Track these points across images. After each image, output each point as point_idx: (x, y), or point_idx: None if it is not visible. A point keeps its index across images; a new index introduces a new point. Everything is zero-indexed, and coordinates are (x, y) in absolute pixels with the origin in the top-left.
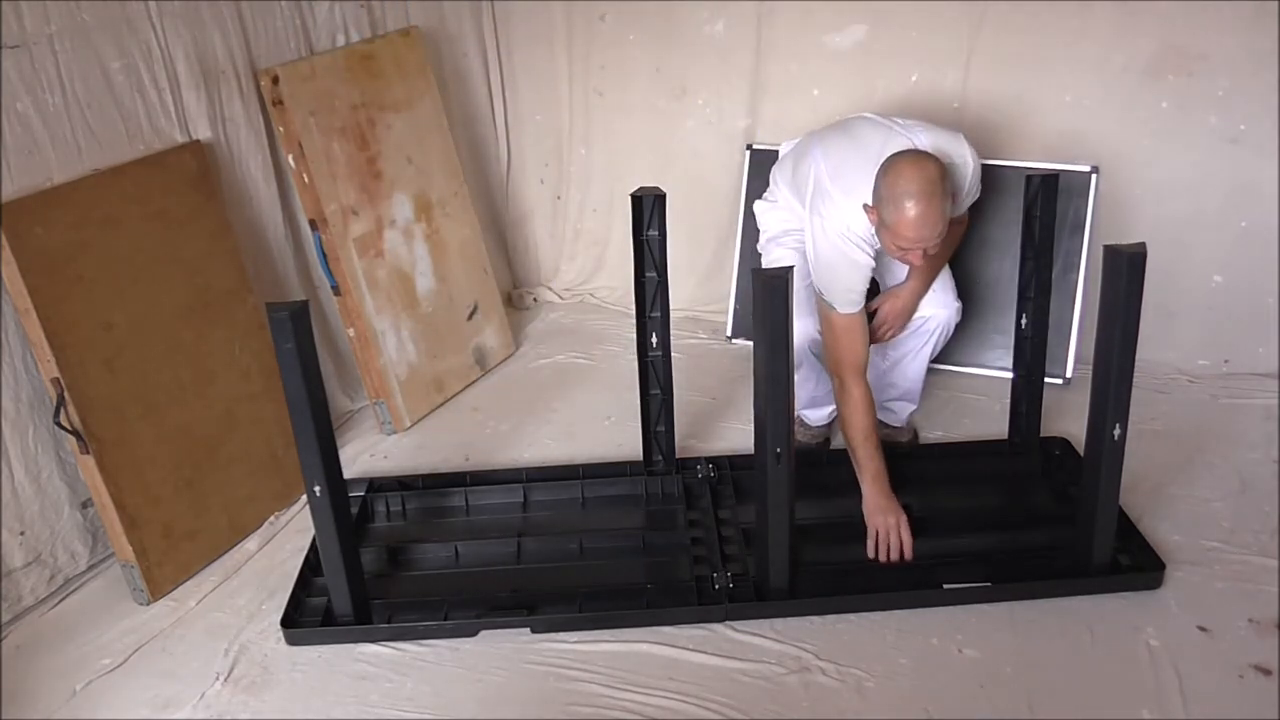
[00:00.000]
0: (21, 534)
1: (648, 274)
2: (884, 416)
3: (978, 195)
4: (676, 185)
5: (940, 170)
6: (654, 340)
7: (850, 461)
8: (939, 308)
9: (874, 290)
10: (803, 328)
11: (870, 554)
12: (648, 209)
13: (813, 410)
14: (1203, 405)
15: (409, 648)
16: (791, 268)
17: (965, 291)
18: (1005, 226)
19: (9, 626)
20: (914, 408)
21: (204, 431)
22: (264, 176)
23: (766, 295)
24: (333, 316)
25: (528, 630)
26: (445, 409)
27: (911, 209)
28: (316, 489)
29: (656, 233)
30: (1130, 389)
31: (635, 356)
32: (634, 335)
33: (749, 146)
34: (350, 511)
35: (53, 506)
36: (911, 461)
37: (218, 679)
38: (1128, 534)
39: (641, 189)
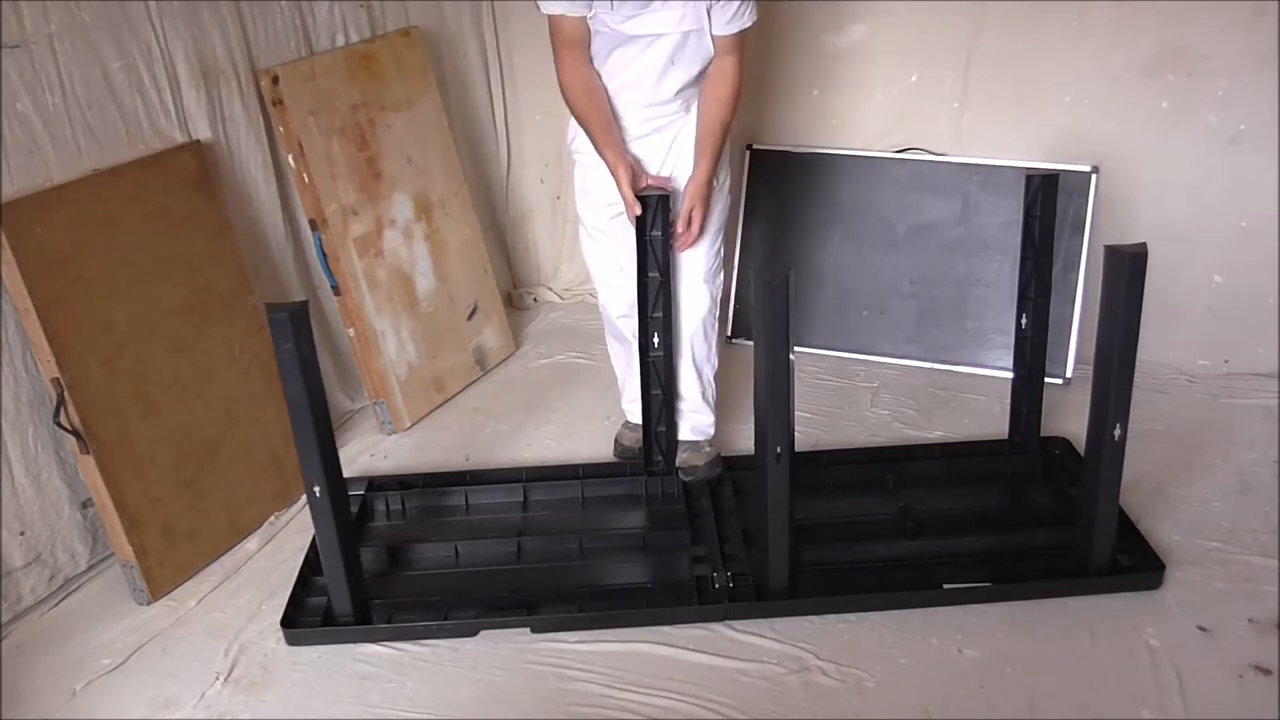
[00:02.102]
0: (21, 534)
1: (650, 274)
2: (679, 432)
3: (752, 15)
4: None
5: None
6: (655, 340)
7: (851, 462)
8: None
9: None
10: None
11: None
12: (652, 209)
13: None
14: (1203, 405)
15: (409, 648)
16: (791, 267)
17: (965, 291)
18: (1005, 226)
19: (9, 626)
20: (707, 419)
21: (204, 431)
22: (264, 176)
23: (766, 295)
24: (333, 316)
25: (528, 630)
26: (445, 409)
27: None
28: (316, 490)
29: (660, 233)
30: (1131, 389)
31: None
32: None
33: (749, 146)
34: (350, 512)
35: (53, 506)
36: (912, 462)
37: (218, 679)
38: (1128, 534)
39: (647, 189)
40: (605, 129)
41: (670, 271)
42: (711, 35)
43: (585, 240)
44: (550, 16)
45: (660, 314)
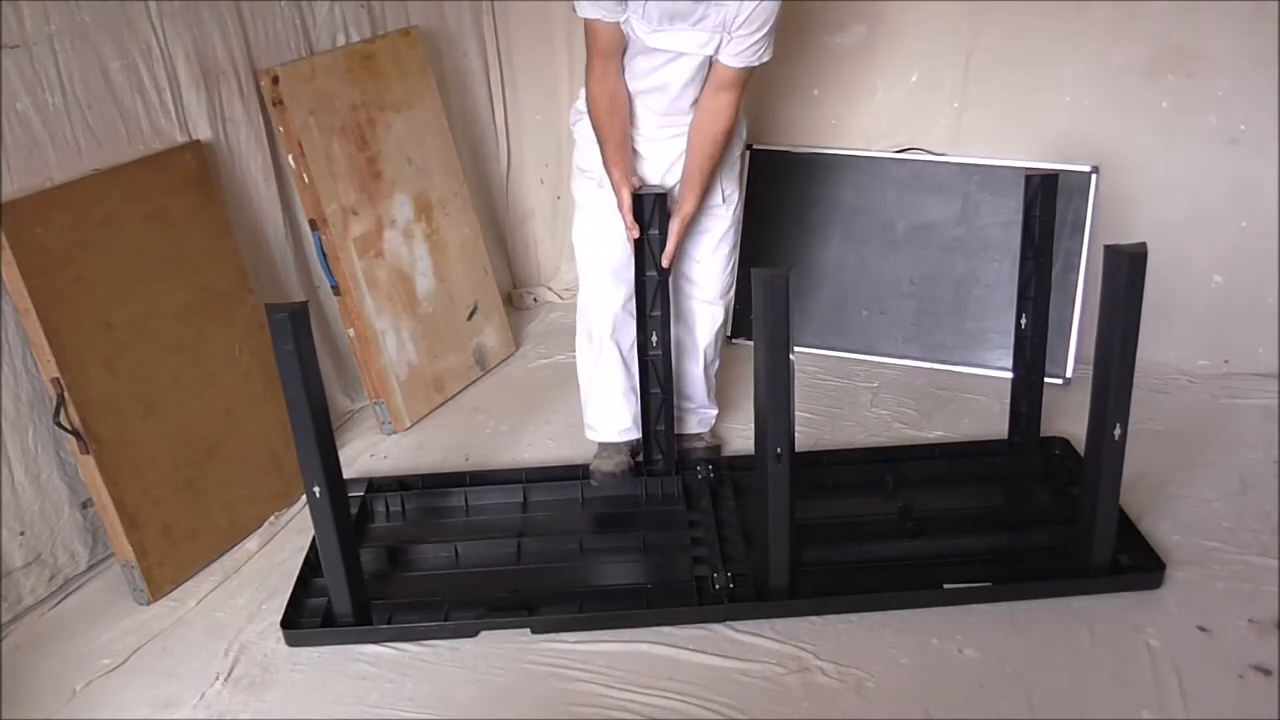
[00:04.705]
0: (21, 534)
1: (648, 273)
2: (682, 428)
3: (765, 54)
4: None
5: None
6: (654, 339)
7: (851, 462)
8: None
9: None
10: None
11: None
12: (648, 208)
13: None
14: (1203, 405)
15: (409, 648)
16: (791, 267)
17: (965, 291)
18: (1005, 226)
19: (9, 626)
20: (712, 412)
21: (204, 431)
22: (264, 176)
23: (766, 295)
24: (333, 316)
25: (528, 630)
26: (445, 409)
27: None
28: (316, 490)
29: (657, 231)
30: (1131, 389)
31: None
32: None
33: (749, 146)
34: (350, 513)
35: (53, 506)
36: (912, 462)
37: (218, 679)
38: (1128, 534)
39: (644, 187)
40: (620, 146)
41: (669, 271)
42: (716, 61)
43: (579, 222)
44: (587, 23)
45: (658, 312)
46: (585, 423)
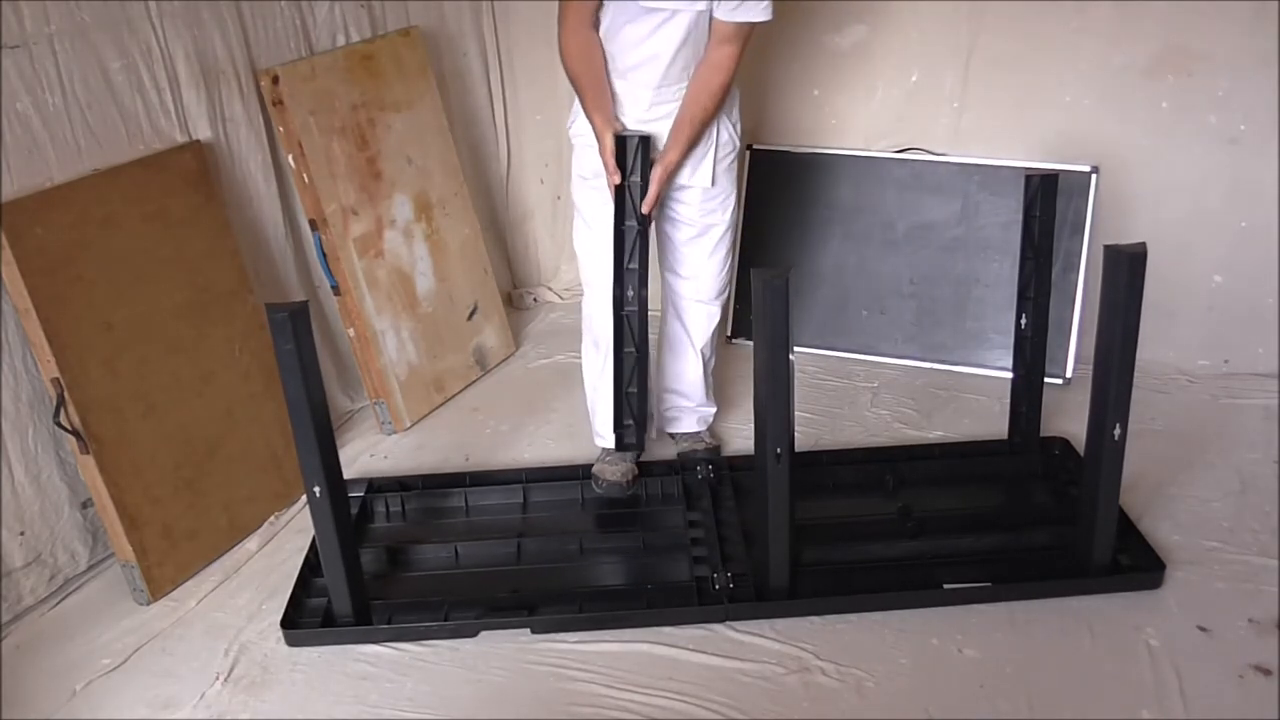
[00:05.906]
0: (21, 534)
1: (627, 222)
2: (681, 426)
3: (763, 12)
4: None
5: None
6: (629, 294)
7: (851, 462)
8: (701, 303)
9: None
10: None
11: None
12: (631, 151)
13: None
14: (1203, 405)
15: (409, 648)
16: (791, 267)
17: (965, 291)
18: (1005, 226)
19: (9, 626)
20: (711, 410)
21: (204, 431)
22: (264, 176)
23: (766, 295)
24: (333, 316)
25: (528, 630)
26: (445, 409)
27: None
28: (316, 490)
29: (639, 178)
30: (1130, 389)
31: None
32: None
33: (749, 146)
34: (350, 512)
35: (53, 506)
36: (912, 462)
37: (218, 679)
38: (1128, 534)
39: (626, 130)
40: (598, 90)
41: (649, 220)
42: (713, 17)
43: (581, 230)
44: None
45: (635, 265)
46: (594, 429)
